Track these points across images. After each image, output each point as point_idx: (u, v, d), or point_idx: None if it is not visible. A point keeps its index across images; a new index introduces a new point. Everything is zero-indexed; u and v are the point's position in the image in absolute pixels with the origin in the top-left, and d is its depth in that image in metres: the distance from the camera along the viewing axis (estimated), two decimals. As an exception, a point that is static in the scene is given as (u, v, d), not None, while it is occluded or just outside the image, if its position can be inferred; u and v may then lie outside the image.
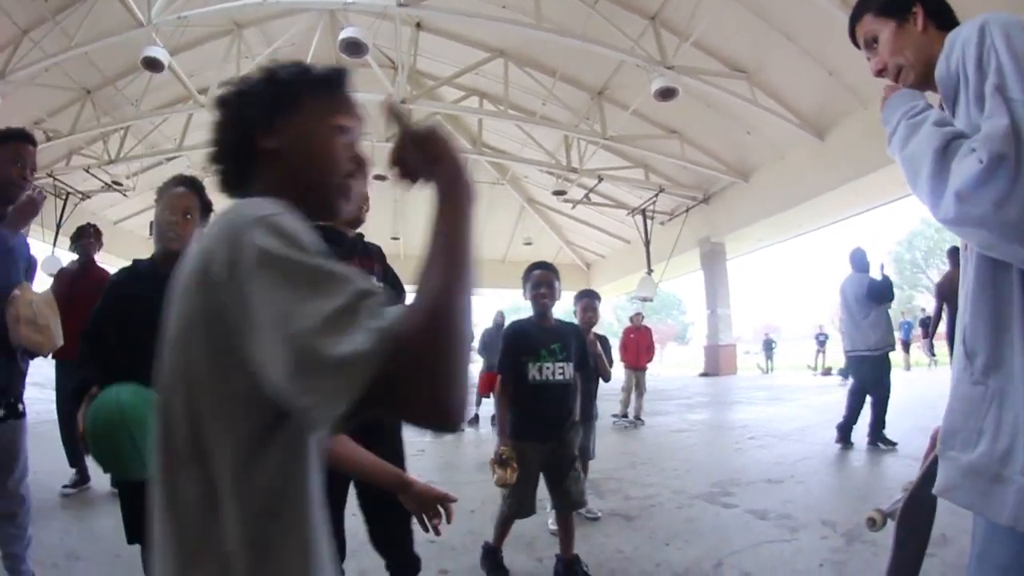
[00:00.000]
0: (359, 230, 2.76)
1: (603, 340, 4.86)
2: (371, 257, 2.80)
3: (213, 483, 0.78)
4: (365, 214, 2.80)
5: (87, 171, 17.45)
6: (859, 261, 6.96)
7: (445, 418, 0.71)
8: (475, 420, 9.35)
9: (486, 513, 4.43)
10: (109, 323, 2.29)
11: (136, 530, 2.29)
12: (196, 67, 14.48)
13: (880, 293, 6.63)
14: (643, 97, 12.83)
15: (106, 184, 17.85)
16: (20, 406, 2.54)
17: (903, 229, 61.65)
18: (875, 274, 6.90)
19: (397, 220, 24.26)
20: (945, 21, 1.36)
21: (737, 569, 3.31)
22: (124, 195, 19.31)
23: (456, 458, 7.01)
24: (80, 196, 18.09)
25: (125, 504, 2.31)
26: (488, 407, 9.49)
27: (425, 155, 0.92)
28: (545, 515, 3.98)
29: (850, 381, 7.32)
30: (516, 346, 3.33)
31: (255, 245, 0.72)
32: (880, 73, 1.47)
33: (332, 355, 0.63)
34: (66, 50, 11.97)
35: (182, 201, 2.39)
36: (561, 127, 15.93)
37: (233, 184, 1.09)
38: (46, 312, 2.54)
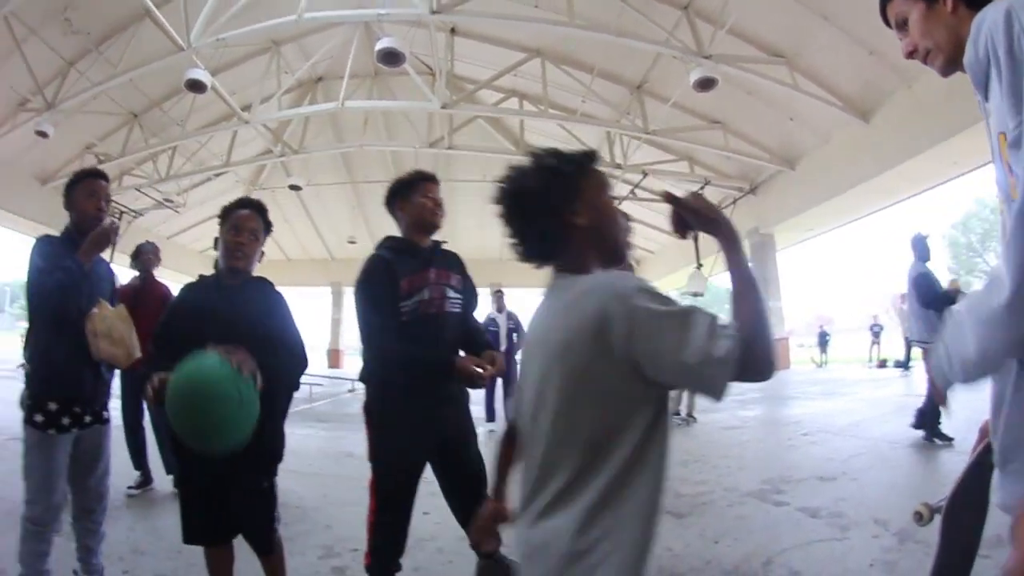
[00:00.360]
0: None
1: None
2: (449, 267, 3.00)
3: (606, 442, 1.22)
4: (441, 220, 3.01)
5: (139, 190, 18.25)
6: (921, 248, 6.68)
7: (770, 374, 1.21)
8: (511, 419, 9.38)
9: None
10: (176, 330, 2.43)
11: (194, 532, 2.44)
12: (238, 85, 14.90)
13: (924, 300, 6.38)
14: (683, 89, 12.67)
15: (158, 201, 18.55)
16: (105, 413, 2.84)
17: (958, 211, 59.41)
18: (936, 269, 6.61)
19: (445, 225, 24.44)
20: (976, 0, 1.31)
21: (786, 568, 3.27)
22: (176, 211, 20.08)
23: (489, 460, 7.04)
24: (134, 214, 18.81)
25: (185, 508, 2.45)
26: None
27: (701, 219, 1.33)
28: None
29: (911, 371, 7.08)
30: None
31: (646, 307, 1.19)
32: (911, 55, 1.43)
33: (718, 355, 1.13)
34: (111, 78, 12.47)
35: (248, 223, 2.59)
36: (602, 123, 15.90)
37: (542, 255, 1.52)
38: (120, 327, 2.79)
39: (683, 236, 1.40)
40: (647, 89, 15.16)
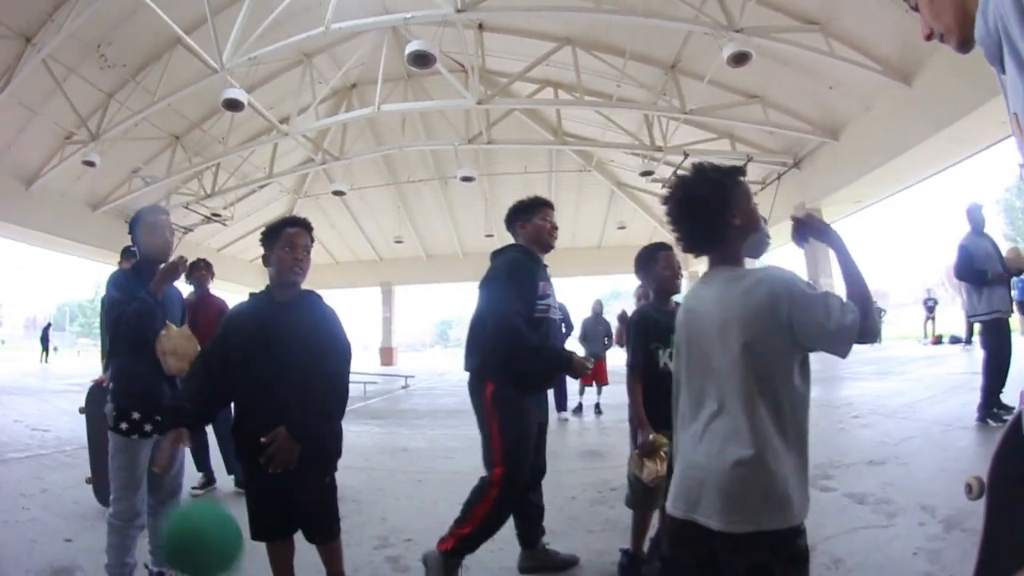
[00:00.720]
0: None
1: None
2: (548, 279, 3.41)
3: (771, 378, 1.67)
4: (555, 241, 3.51)
5: (187, 207, 19.00)
6: (976, 219, 6.41)
7: (878, 339, 1.67)
8: (579, 409, 9.40)
9: (585, 499, 4.58)
10: (227, 348, 2.62)
11: (261, 529, 2.61)
12: (274, 99, 15.33)
13: (958, 273, 6.15)
14: (717, 65, 12.36)
15: (206, 216, 19.15)
16: None
17: (1012, 174, 56.33)
18: (993, 237, 6.35)
19: (489, 218, 24.56)
20: None
21: (829, 555, 3.22)
22: (224, 224, 20.69)
23: (560, 447, 7.07)
24: (184, 230, 19.48)
25: (253, 507, 2.62)
26: (590, 396, 9.54)
27: (815, 231, 1.84)
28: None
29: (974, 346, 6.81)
30: (646, 333, 3.30)
31: (801, 291, 1.65)
32: (928, 38, 1.36)
33: (847, 323, 1.57)
34: (150, 105, 13.06)
35: (301, 239, 2.72)
36: (639, 107, 15.74)
37: (704, 248, 1.88)
38: (184, 344, 3.06)
39: (800, 245, 1.86)
40: (681, 68, 14.89)
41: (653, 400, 3.10)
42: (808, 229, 1.84)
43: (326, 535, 2.68)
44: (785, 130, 15.83)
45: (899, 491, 4.19)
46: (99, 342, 5.97)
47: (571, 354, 3.28)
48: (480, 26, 14.36)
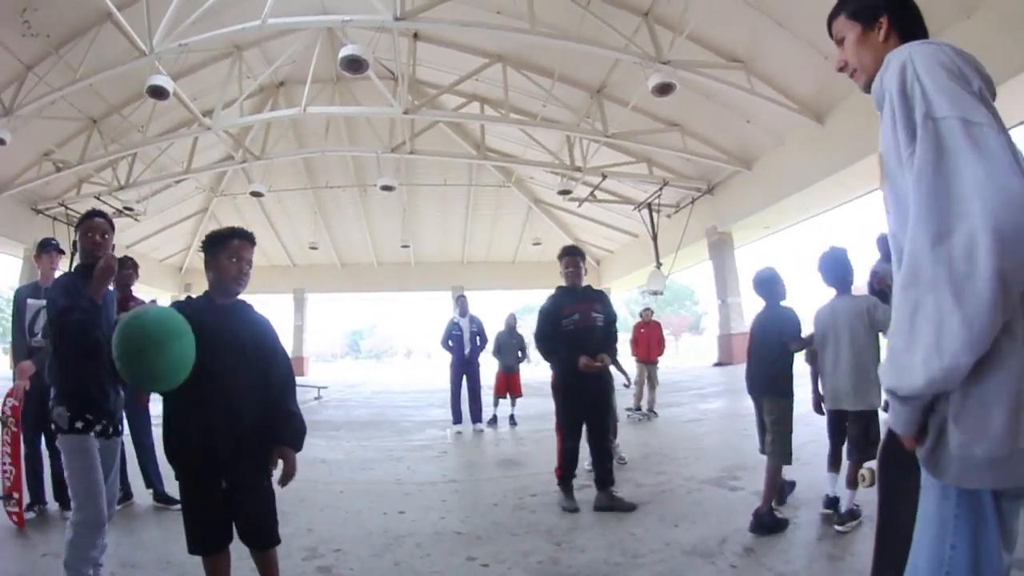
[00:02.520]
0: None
1: None
2: (591, 300, 4.94)
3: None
4: (577, 279, 4.99)
5: (98, 198, 17.86)
6: (884, 247, 6.65)
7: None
8: (494, 420, 9.53)
9: (508, 505, 4.69)
10: None
11: (200, 542, 2.55)
12: (199, 90, 14.78)
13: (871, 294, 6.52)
14: (642, 92, 12.89)
15: (117, 210, 18.24)
16: (120, 426, 3.10)
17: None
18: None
19: (406, 228, 24.58)
20: (909, 30, 1.52)
21: (740, 545, 3.51)
22: (136, 219, 19.71)
23: (478, 457, 7.23)
24: (92, 224, 18.51)
25: (191, 518, 2.55)
26: (504, 408, 9.72)
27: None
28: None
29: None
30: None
31: (883, 307, 3.85)
32: (841, 69, 1.66)
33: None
34: (71, 83, 12.33)
35: (248, 253, 2.73)
36: (563, 127, 16.13)
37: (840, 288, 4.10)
38: None
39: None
40: (607, 93, 15.46)
41: None
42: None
43: (270, 539, 2.67)
44: (701, 158, 16.58)
45: (802, 487, 4.58)
46: (9, 342, 5.51)
47: (575, 357, 4.64)
48: (416, 35, 14.47)
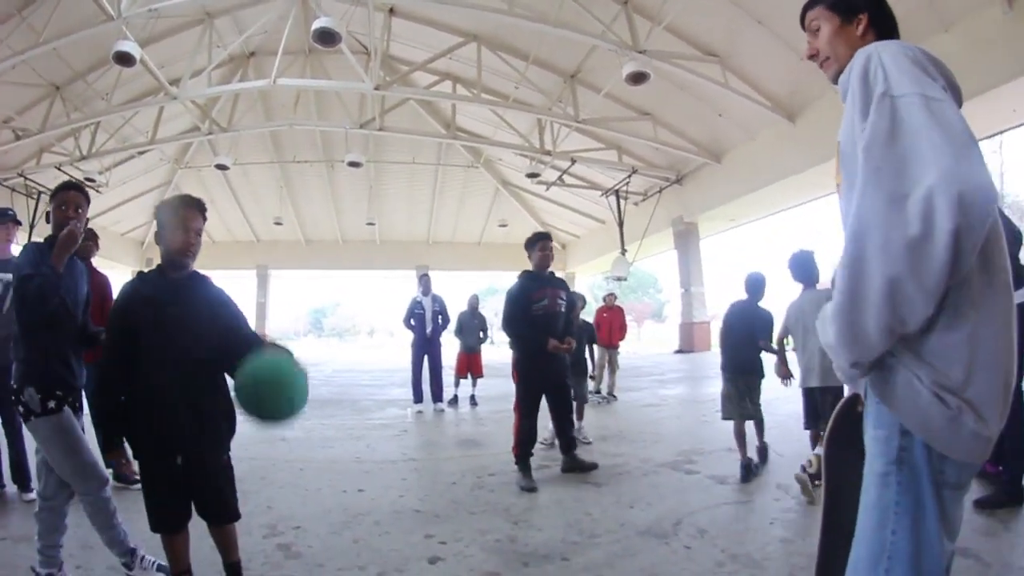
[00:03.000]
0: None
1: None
2: (558, 285, 5.21)
3: None
4: (551, 262, 5.27)
5: (59, 168, 17.31)
6: None
7: None
8: (455, 400, 9.55)
9: (466, 484, 4.72)
10: (133, 322, 2.50)
11: (162, 520, 2.53)
12: (167, 58, 14.36)
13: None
14: (616, 80, 12.98)
15: (79, 181, 17.70)
16: (81, 404, 3.02)
17: None
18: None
19: (372, 207, 24.38)
20: (885, 30, 1.56)
21: (694, 527, 3.58)
22: (97, 191, 19.09)
23: (438, 436, 7.25)
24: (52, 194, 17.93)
25: (151, 497, 2.51)
26: (465, 388, 9.75)
27: None
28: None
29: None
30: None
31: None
32: (812, 57, 1.70)
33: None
34: (34, 46, 11.84)
35: (196, 223, 2.65)
36: (534, 111, 16.10)
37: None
38: None
39: None
40: (580, 79, 15.47)
41: None
42: None
43: (231, 514, 2.65)
44: (671, 148, 16.71)
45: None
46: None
47: (544, 340, 4.89)
48: (391, 10, 14.31)
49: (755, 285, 5.31)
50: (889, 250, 1.16)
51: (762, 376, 5.18)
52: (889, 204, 1.18)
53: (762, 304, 5.31)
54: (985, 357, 1.22)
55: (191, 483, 2.52)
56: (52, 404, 2.74)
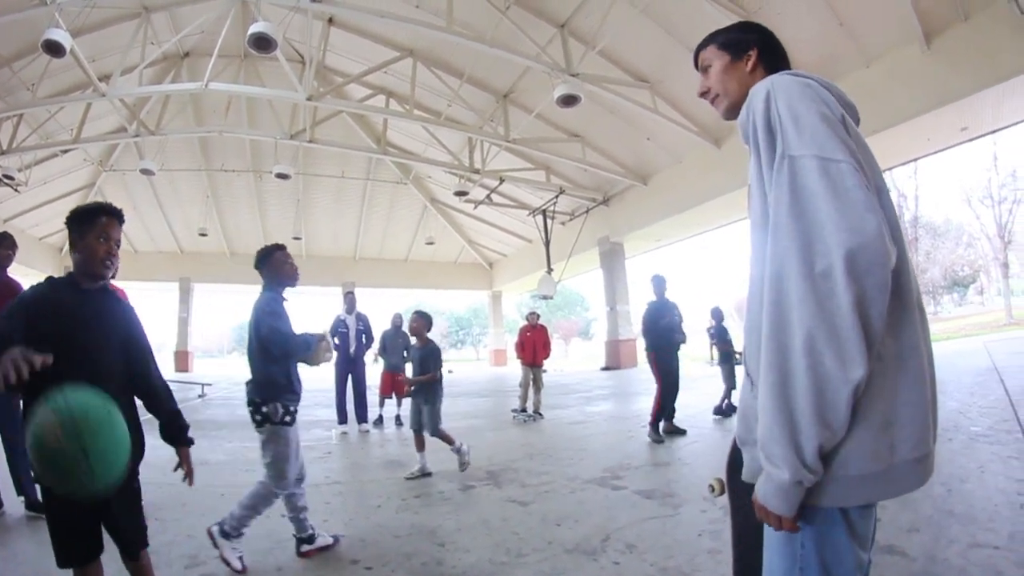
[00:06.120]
0: None
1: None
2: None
3: None
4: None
5: None
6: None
7: None
8: (380, 421, 9.42)
9: (391, 507, 4.66)
10: (35, 329, 2.23)
11: (70, 553, 2.31)
12: (98, 51, 13.77)
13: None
14: (548, 102, 13.10)
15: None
16: None
17: None
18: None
19: (299, 220, 23.99)
20: (774, 63, 1.62)
21: (622, 542, 3.62)
22: (15, 190, 18.04)
23: (362, 458, 7.13)
24: (-36, 193, 16.83)
25: (57, 529, 2.31)
26: (390, 408, 9.64)
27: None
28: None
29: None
30: None
31: None
32: (703, 95, 1.75)
33: None
34: None
35: (117, 233, 2.47)
36: (466, 129, 16.16)
37: None
38: None
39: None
40: (513, 99, 15.68)
41: None
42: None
43: (142, 542, 2.49)
44: (599, 169, 17.06)
45: (683, 487, 4.79)
46: None
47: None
48: (330, 20, 14.16)
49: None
50: (812, 326, 1.16)
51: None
52: (801, 278, 1.18)
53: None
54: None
55: (101, 511, 2.34)
56: None
